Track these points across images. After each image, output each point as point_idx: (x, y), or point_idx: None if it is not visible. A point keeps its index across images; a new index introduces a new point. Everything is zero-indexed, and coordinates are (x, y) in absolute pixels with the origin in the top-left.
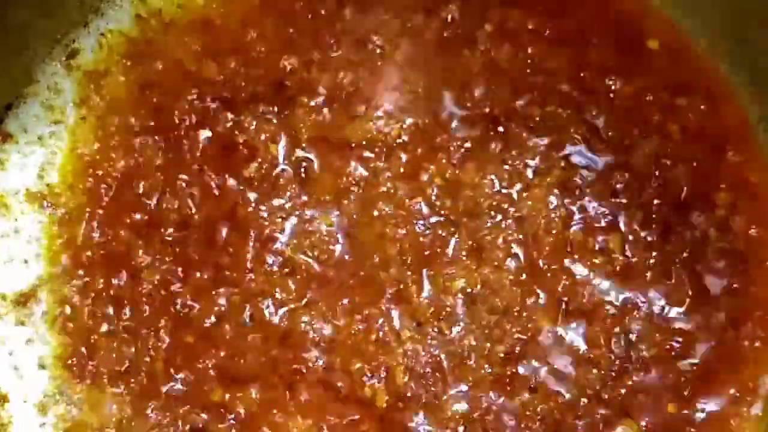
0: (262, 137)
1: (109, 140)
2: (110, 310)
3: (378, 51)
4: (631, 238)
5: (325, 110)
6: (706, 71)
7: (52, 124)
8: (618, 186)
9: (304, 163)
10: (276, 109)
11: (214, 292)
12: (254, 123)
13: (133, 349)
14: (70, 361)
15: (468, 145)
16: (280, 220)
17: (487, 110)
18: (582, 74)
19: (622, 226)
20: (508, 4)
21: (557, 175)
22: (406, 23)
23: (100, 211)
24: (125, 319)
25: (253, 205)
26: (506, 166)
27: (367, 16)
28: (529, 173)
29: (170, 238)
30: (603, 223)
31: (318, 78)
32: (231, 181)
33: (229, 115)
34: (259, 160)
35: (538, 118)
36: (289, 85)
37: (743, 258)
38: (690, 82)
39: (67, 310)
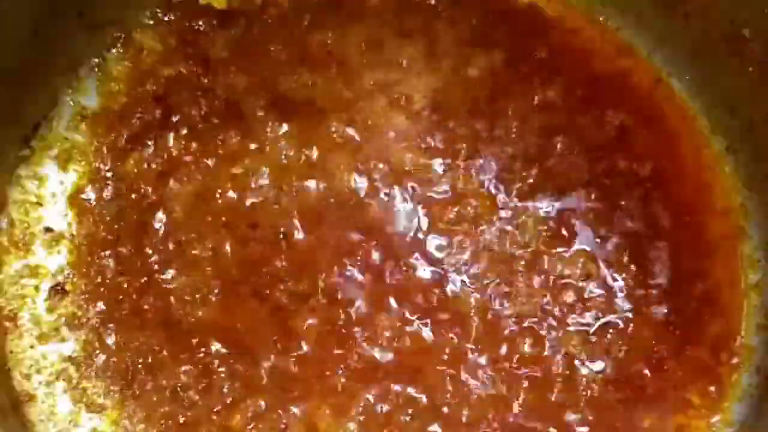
0: (267, 148)
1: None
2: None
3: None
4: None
5: (326, 124)
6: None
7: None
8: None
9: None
10: (279, 120)
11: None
12: (260, 131)
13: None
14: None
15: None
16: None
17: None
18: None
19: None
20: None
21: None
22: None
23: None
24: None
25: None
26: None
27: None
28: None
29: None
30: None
31: (319, 92)
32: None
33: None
34: (266, 167)
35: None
36: (292, 98)
37: None
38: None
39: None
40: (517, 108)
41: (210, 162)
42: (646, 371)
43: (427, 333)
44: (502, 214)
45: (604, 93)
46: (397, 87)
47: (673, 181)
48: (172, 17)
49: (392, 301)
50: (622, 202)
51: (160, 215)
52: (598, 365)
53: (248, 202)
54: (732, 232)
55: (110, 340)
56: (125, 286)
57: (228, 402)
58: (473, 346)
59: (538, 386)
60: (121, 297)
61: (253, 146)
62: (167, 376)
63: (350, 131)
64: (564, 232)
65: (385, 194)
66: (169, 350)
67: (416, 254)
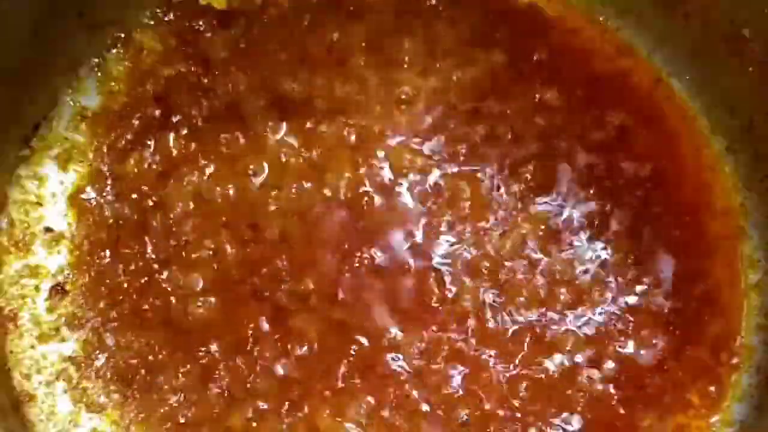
0: (267, 148)
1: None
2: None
3: None
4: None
5: (326, 124)
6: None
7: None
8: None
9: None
10: (279, 120)
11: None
12: (260, 131)
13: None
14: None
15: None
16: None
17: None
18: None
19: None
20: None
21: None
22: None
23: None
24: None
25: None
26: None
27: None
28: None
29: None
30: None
31: (319, 92)
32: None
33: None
34: (266, 167)
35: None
36: (291, 98)
37: None
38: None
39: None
40: (517, 108)
41: (210, 162)
42: (646, 371)
43: (426, 333)
44: (502, 214)
45: (604, 93)
46: (397, 87)
47: (673, 181)
48: (172, 17)
49: (392, 301)
50: (622, 202)
51: (160, 215)
52: (598, 365)
53: (248, 203)
54: (732, 232)
55: (110, 340)
56: (125, 286)
57: (228, 402)
58: (473, 347)
59: (538, 386)
60: (121, 297)
61: (253, 146)
62: (167, 376)
63: (350, 131)
64: (564, 232)
65: (385, 194)
66: (169, 350)
67: (416, 254)
